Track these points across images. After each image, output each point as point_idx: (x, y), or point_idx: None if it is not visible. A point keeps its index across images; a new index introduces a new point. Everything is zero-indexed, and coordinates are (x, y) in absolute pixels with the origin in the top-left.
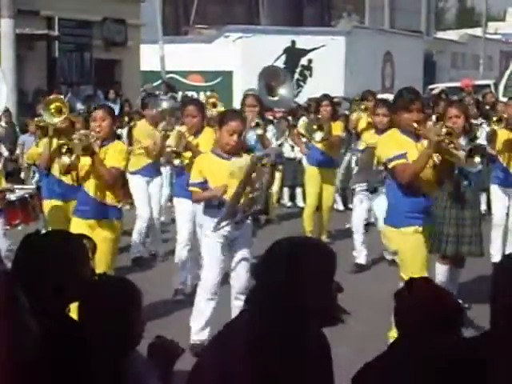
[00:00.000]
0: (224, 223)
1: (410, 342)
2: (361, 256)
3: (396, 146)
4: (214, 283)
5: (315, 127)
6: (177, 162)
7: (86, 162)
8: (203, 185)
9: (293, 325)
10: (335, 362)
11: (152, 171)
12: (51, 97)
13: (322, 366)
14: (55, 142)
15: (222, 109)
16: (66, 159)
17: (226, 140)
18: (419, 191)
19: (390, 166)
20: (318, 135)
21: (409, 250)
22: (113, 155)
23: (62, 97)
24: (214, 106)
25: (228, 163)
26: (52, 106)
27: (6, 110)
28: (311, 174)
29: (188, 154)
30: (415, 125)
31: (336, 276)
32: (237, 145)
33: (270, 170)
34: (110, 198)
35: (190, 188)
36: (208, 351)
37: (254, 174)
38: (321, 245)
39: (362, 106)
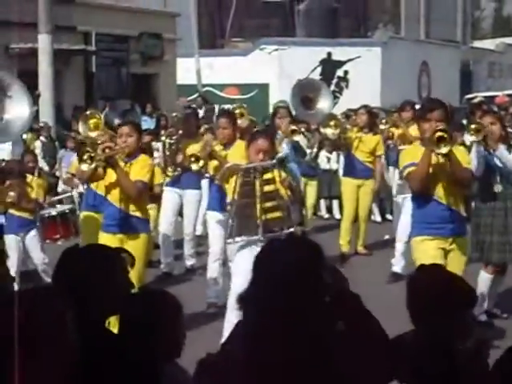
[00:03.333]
0: (240, 238)
1: (422, 326)
2: (399, 265)
3: (410, 156)
4: None
5: None
6: (194, 166)
7: (112, 174)
8: None
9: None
10: None
11: (186, 183)
12: (88, 112)
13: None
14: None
15: (247, 120)
16: (84, 166)
17: (253, 158)
18: (432, 197)
19: (404, 175)
20: None
21: (418, 259)
22: (138, 169)
23: (98, 112)
24: (242, 115)
25: None
26: (90, 122)
27: (45, 125)
28: (347, 185)
29: (214, 163)
30: (427, 134)
31: (372, 286)
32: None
33: (289, 185)
34: (137, 212)
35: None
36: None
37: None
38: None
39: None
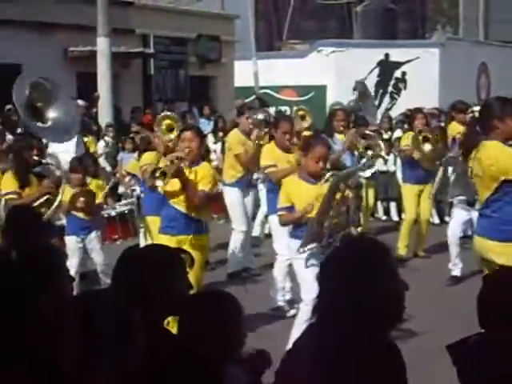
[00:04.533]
0: (310, 246)
1: (491, 329)
2: (456, 269)
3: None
4: None
5: (421, 138)
6: (159, 182)
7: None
8: (290, 209)
9: (361, 336)
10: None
11: (245, 183)
12: (163, 114)
13: (395, 379)
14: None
15: (307, 123)
16: (159, 182)
17: (313, 168)
18: None
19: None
20: (427, 147)
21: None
22: (201, 177)
23: (173, 114)
24: (303, 118)
25: (315, 188)
26: (164, 123)
27: (110, 126)
28: (408, 191)
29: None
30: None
31: (432, 289)
32: (322, 170)
33: (356, 192)
34: (196, 214)
35: (279, 212)
36: (281, 366)
37: (337, 196)
38: (375, 240)
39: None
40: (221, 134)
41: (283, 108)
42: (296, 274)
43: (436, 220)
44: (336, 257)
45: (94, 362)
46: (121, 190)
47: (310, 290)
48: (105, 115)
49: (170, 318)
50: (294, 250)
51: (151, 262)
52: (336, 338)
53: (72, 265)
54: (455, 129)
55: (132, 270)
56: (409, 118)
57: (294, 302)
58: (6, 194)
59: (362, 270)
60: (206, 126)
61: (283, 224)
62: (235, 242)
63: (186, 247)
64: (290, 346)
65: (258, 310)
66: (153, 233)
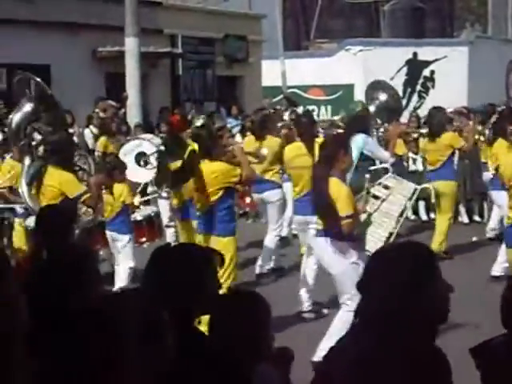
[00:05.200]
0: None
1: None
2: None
3: None
4: None
5: None
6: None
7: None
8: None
9: (406, 339)
10: None
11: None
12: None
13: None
14: None
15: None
16: None
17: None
18: None
19: None
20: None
21: None
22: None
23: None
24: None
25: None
26: None
27: (139, 126)
28: (450, 188)
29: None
30: None
31: (471, 288)
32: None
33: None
34: (226, 215)
35: (348, 220)
36: (320, 367)
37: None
38: (421, 244)
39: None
40: (248, 133)
41: (311, 107)
42: (342, 278)
43: (465, 219)
44: (383, 261)
45: (124, 362)
46: (150, 189)
47: (352, 292)
48: (133, 115)
49: (200, 318)
50: (350, 254)
51: (183, 261)
52: (379, 340)
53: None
54: None
55: (164, 269)
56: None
57: (319, 303)
58: (83, 193)
59: (411, 275)
60: (234, 125)
61: (349, 232)
62: (270, 241)
63: (217, 247)
64: (319, 347)
65: (284, 310)
66: (185, 233)
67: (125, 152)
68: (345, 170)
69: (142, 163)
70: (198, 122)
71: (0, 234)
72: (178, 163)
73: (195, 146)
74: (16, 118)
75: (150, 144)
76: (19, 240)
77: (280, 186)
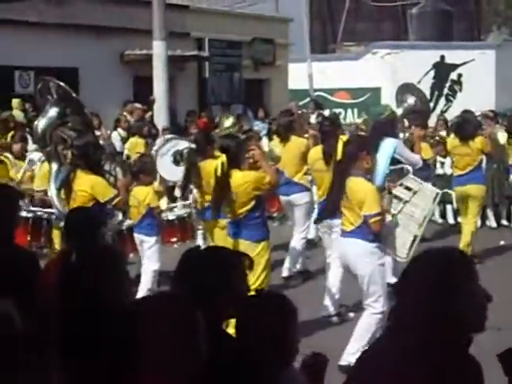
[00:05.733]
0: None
1: None
2: None
3: None
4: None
5: None
6: None
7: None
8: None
9: (443, 345)
10: None
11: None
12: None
13: None
14: None
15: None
16: None
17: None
18: None
19: None
20: None
21: None
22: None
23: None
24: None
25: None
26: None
27: (166, 129)
28: (481, 192)
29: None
30: None
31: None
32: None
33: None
34: (256, 219)
35: (376, 218)
36: (354, 372)
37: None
38: (459, 250)
39: None
40: (274, 136)
41: (337, 110)
42: (369, 280)
43: (493, 223)
44: (421, 264)
45: (158, 364)
46: (177, 192)
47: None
48: (161, 118)
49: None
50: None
51: (214, 264)
52: (417, 347)
53: None
54: None
55: (194, 271)
56: None
57: (345, 306)
58: (114, 197)
59: (447, 276)
60: (261, 128)
61: (379, 231)
62: (297, 244)
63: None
64: (346, 350)
65: (310, 313)
66: (214, 235)
67: (161, 154)
68: (368, 170)
69: (178, 158)
70: (227, 123)
71: (37, 235)
72: (208, 164)
73: (223, 158)
74: (41, 123)
75: (185, 142)
76: (58, 242)
77: (308, 189)
